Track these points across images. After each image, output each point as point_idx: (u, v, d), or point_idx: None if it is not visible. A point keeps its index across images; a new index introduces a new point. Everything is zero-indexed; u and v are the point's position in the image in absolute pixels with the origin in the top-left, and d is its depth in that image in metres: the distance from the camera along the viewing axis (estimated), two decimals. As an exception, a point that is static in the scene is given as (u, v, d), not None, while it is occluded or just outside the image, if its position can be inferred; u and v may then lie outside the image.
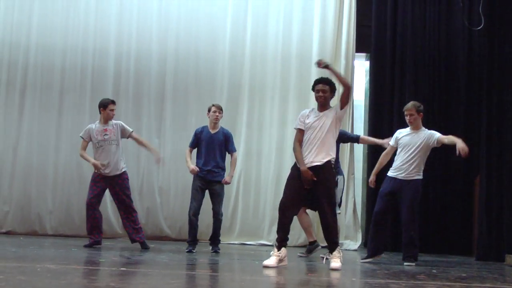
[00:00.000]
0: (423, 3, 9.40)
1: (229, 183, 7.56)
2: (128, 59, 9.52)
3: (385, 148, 7.09)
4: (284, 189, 5.92)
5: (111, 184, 7.34)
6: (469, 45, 9.33)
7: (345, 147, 8.94)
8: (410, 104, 6.83)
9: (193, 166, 7.35)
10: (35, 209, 9.21)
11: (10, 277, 4.19)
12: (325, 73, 7.39)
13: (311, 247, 7.37)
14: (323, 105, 5.93)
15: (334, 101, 6.24)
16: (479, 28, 8.83)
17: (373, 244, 6.82)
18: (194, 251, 7.22)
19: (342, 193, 7.46)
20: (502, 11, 7.97)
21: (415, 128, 6.77)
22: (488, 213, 7.78)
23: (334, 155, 5.89)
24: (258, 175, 9.36)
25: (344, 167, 8.68)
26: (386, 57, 9.35)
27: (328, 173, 5.80)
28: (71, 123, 9.34)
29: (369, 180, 7.10)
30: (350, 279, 5.47)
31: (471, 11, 9.25)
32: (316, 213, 6.66)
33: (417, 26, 9.34)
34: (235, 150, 7.58)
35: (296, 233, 8.73)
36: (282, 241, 5.76)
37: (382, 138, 7.45)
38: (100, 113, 7.42)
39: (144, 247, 7.32)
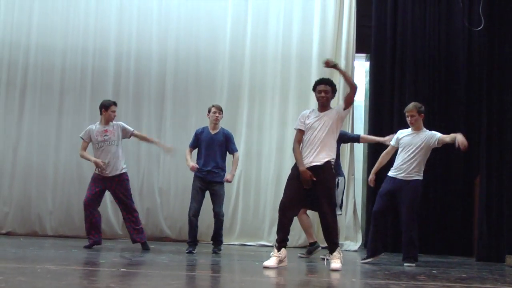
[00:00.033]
0: (423, 3, 9.40)
1: (230, 181, 7.56)
2: (128, 59, 9.52)
3: (385, 147, 7.09)
4: (284, 190, 5.92)
5: (111, 185, 7.34)
6: (469, 45, 9.33)
7: (345, 147, 8.94)
8: (411, 105, 6.83)
9: (192, 163, 7.35)
10: (35, 210, 9.21)
11: (10, 278, 4.19)
12: (326, 74, 7.43)
13: (311, 248, 7.36)
14: (324, 106, 5.93)
15: (334, 102, 6.24)
16: (479, 28, 8.82)
17: (373, 244, 6.82)
18: (194, 252, 7.22)
19: (343, 195, 7.46)
20: (502, 11, 7.97)
21: (416, 129, 6.78)
22: (488, 214, 7.77)
23: (334, 156, 5.89)
24: (258, 175, 9.36)
25: (344, 168, 8.68)
26: (386, 58, 9.35)
27: (327, 173, 5.80)
28: (71, 123, 9.34)
29: (369, 179, 7.11)
30: (350, 280, 5.46)
31: (471, 11, 9.24)
32: (316, 213, 6.66)
33: (417, 26, 9.34)
34: (236, 150, 7.58)
35: (296, 234, 8.73)
36: (282, 242, 5.76)
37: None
38: (101, 114, 7.42)
39: (145, 248, 7.32)
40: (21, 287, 3.87)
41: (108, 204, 8.85)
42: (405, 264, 6.59)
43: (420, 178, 6.73)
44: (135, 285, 4.32)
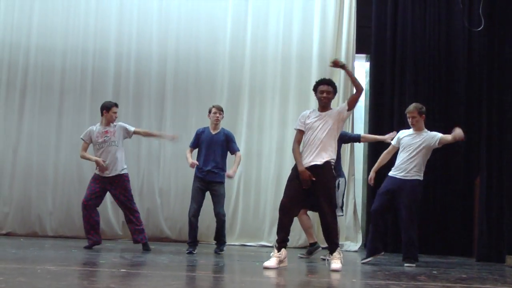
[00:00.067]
0: (423, 4, 9.40)
1: (232, 177, 7.51)
2: (128, 59, 9.52)
3: (386, 146, 7.10)
4: (285, 190, 5.91)
5: (111, 185, 7.34)
6: (469, 46, 9.33)
7: (345, 148, 8.94)
8: (412, 106, 6.84)
9: (192, 160, 7.35)
10: (35, 210, 9.21)
11: (10, 279, 4.19)
12: (326, 74, 7.44)
13: (311, 248, 7.36)
14: (325, 106, 5.93)
15: (333, 103, 6.23)
16: (479, 29, 8.82)
17: (372, 243, 6.82)
18: (195, 252, 7.21)
19: (343, 196, 7.46)
20: (502, 12, 7.97)
21: (418, 130, 6.79)
22: (489, 214, 7.77)
23: (334, 156, 5.89)
24: (259, 176, 9.36)
25: (345, 169, 8.66)
26: (386, 58, 9.35)
27: (327, 173, 5.80)
28: (71, 124, 9.34)
29: (369, 177, 7.10)
30: (351, 280, 5.46)
31: (471, 12, 9.24)
32: (317, 214, 6.67)
33: (417, 27, 9.34)
34: (238, 150, 7.57)
35: (297, 234, 8.73)
36: (282, 242, 5.76)
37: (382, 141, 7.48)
38: (102, 115, 7.43)
39: (146, 249, 7.31)
40: (21, 287, 3.86)
41: (108, 204, 8.85)
42: (405, 265, 6.59)
43: (420, 178, 6.73)
44: (135, 286, 4.32)
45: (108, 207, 8.93)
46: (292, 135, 6.24)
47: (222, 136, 7.45)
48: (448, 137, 6.68)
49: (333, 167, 5.88)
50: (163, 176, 9.34)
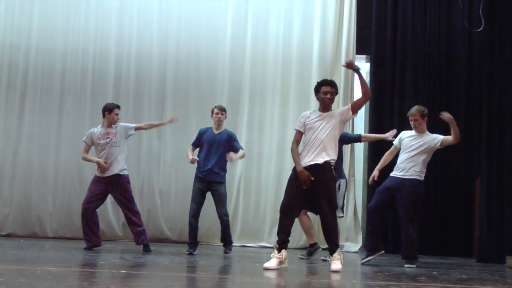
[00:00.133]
0: (423, 4, 9.40)
1: (233, 160, 7.32)
2: (128, 61, 9.52)
3: (387, 145, 7.10)
4: (285, 191, 5.91)
5: (111, 187, 7.34)
6: (469, 46, 9.33)
7: (346, 148, 8.92)
8: (414, 109, 6.84)
9: (192, 156, 7.34)
10: (36, 211, 9.20)
11: (10, 280, 4.19)
12: (326, 75, 7.43)
13: (311, 249, 7.35)
14: (327, 107, 5.93)
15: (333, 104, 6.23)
16: (479, 29, 8.82)
17: (370, 242, 6.82)
18: (195, 253, 7.21)
19: (344, 197, 7.45)
20: (502, 12, 7.97)
21: (420, 132, 6.80)
22: (489, 215, 7.77)
23: (334, 157, 5.88)
24: (259, 176, 9.36)
25: (345, 169, 8.65)
26: (387, 59, 9.35)
27: (327, 173, 5.79)
28: (72, 125, 9.34)
29: (371, 176, 7.05)
30: (351, 281, 5.46)
31: (471, 12, 9.24)
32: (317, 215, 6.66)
33: (417, 28, 9.34)
34: (241, 148, 7.57)
35: (297, 235, 8.72)
36: (282, 243, 5.75)
37: (383, 140, 7.47)
38: (104, 116, 7.43)
39: (146, 250, 7.31)
40: (21, 289, 3.87)
41: (108, 205, 8.84)
42: (406, 265, 6.59)
43: (420, 178, 6.72)
44: (135, 287, 4.32)
45: (109, 208, 8.93)
46: (292, 136, 6.24)
47: (225, 136, 7.46)
48: (450, 138, 6.69)
49: (333, 167, 5.87)
50: (163, 177, 9.34)
